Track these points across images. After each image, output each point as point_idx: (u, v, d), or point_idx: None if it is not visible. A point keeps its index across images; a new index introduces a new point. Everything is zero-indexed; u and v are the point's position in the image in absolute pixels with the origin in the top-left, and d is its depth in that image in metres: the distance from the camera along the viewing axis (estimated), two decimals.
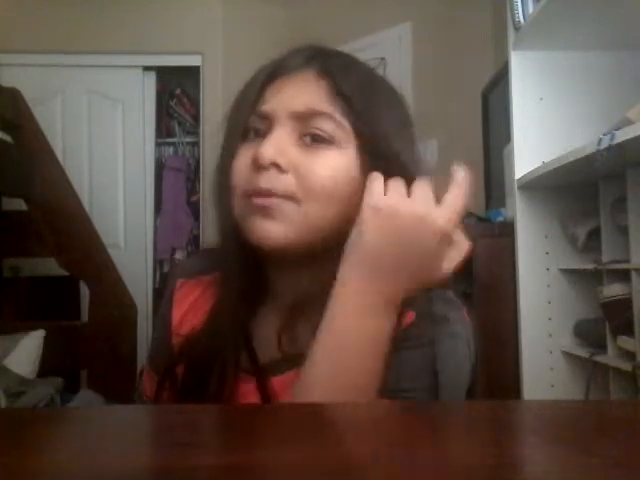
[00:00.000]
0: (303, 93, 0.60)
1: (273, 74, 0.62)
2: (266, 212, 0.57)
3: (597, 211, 1.56)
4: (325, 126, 0.59)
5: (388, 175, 0.56)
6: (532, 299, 1.71)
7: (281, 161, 0.57)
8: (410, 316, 0.60)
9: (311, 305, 0.59)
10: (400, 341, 0.58)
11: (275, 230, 0.58)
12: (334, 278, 0.55)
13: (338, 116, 0.59)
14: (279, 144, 0.58)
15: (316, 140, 0.59)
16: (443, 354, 0.59)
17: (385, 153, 0.59)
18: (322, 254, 0.59)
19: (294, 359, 0.60)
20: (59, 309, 2.88)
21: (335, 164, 0.58)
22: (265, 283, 0.65)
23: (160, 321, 0.72)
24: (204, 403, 0.62)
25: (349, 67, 0.63)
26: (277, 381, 0.62)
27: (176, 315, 0.70)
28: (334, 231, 0.58)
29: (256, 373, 0.63)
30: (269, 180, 0.57)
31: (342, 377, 0.54)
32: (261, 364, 0.63)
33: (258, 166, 0.57)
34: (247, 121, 0.61)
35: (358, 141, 0.59)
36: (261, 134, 0.60)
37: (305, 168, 0.58)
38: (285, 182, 0.57)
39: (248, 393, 0.63)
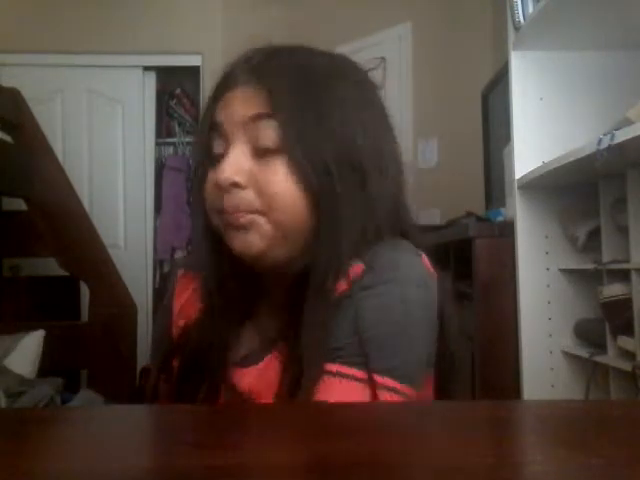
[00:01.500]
0: (246, 104, 0.61)
1: (222, 89, 0.64)
2: (239, 227, 0.61)
3: (597, 211, 1.56)
4: (269, 135, 0.60)
5: (318, 181, 0.59)
6: (532, 299, 1.71)
7: (239, 179, 0.60)
8: (358, 268, 0.60)
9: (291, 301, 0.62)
10: (348, 295, 0.59)
11: (251, 242, 0.61)
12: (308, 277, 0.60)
13: (279, 125, 0.60)
14: (235, 162, 0.61)
15: (267, 150, 0.61)
16: (391, 303, 0.59)
17: (315, 162, 0.60)
18: (303, 254, 0.62)
19: (269, 346, 0.64)
20: (59, 309, 2.88)
21: (285, 172, 0.60)
22: (258, 282, 0.68)
23: (162, 312, 0.76)
24: (195, 393, 0.65)
25: (293, 73, 0.62)
26: (256, 370, 0.65)
27: (176, 306, 0.74)
28: (309, 234, 0.61)
29: (242, 363, 0.66)
30: (232, 199, 0.61)
31: None
32: (245, 354, 0.67)
33: (220, 189, 0.61)
34: (208, 141, 0.64)
35: (292, 150, 0.60)
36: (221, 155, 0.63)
37: (262, 181, 0.60)
38: (247, 198, 0.61)
39: (236, 382, 0.65)
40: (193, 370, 0.67)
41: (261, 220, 0.61)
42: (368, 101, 0.67)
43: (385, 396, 0.57)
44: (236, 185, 0.60)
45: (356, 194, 0.62)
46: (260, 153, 0.61)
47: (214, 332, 0.66)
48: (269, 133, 0.60)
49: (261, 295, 0.69)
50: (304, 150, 0.60)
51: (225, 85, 0.64)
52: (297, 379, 0.58)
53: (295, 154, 0.60)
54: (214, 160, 0.63)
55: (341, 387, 0.57)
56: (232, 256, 0.64)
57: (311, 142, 0.60)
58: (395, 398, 0.57)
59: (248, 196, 0.61)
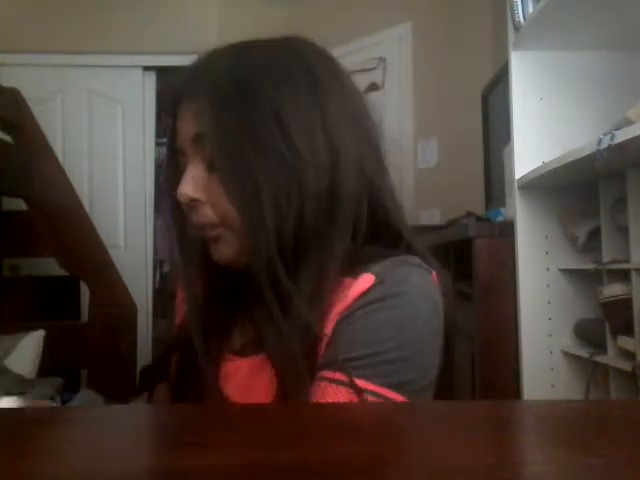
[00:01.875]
0: (188, 125, 0.63)
1: (176, 107, 0.65)
2: (209, 239, 0.65)
3: (597, 211, 1.56)
4: (211, 150, 0.61)
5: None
6: (532, 299, 1.71)
7: (198, 196, 0.63)
8: (369, 280, 0.60)
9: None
10: (358, 307, 0.59)
11: (222, 251, 0.65)
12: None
13: (215, 141, 0.61)
14: (191, 180, 0.63)
15: (213, 165, 0.62)
16: (402, 317, 0.59)
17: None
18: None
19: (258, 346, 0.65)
20: (59, 309, 2.88)
21: (222, 188, 0.62)
22: (245, 282, 0.69)
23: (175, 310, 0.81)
24: (191, 384, 0.68)
25: (222, 88, 0.61)
26: (249, 363, 0.66)
27: (178, 304, 0.78)
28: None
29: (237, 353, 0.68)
30: (197, 215, 0.64)
31: None
32: (240, 346, 0.68)
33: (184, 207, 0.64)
34: (175, 159, 0.67)
35: (219, 166, 0.61)
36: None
37: (215, 196, 0.62)
38: (207, 214, 0.63)
39: (231, 372, 0.67)
40: (188, 361, 0.69)
41: (224, 232, 0.63)
42: (315, 98, 0.62)
43: None
44: (194, 201, 0.63)
45: (291, 199, 0.60)
46: (212, 167, 0.62)
47: (205, 323, 0.68)
48: (211, 148, 0.61)
49: (248, 294, 0.70)
50: (233, 165, 0.60)
51: (174, 104, 0.66)
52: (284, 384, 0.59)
53: (222, 170, 0.61)
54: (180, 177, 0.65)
55: (351, 398, 0.57)
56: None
57: (240, 156, 0.60)
58: None
59: (207, 212, 0.63)
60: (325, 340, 0.60)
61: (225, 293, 0.70)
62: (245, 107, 0.60)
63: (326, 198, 0.61)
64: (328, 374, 0.58)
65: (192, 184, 0.62)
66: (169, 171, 0.69)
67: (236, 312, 0.70)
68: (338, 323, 0.59)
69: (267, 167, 0.59)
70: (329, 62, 0.67)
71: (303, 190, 0.60)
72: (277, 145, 0.59)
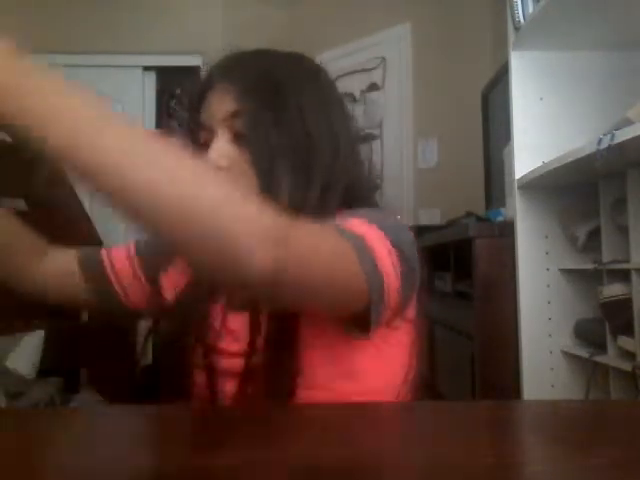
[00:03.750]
0: (223, 102, 0.73)
1: (203, 89, 0.76)
2: None
3: (597, 211, 1.56)
4: (240, 125, 0.72)
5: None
6: (532, 299, 1.71)
7: (223, 163, 0.71)
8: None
9: None
10: None
11: None
12: None
13: (246, 118, 0.71)
14: (219, 149, 0.72)
15: (240, 137, 0.72)
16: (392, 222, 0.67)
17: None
18: None
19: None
20: (59, 309, 2.87)
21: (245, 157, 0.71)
22: None
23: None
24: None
25: (256, 74, 0.73)
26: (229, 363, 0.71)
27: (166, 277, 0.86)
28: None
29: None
30: None
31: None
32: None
33: None
34: (197, 133, 0.76)
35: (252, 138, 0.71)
36: (208, 143, 0.74)
37: (237, 163, 0.71)
38: (230, 179, 0.70)
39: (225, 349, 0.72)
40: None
41: None
42: (322, 94, 0.76)
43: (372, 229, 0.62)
44: (220, 168, 0.70)
45: (301, 171, 0.70)
46: (238, 139, 0.72)
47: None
48: (242, 124, 0.71)
49: None
50: (262, 137, 0.70)
51: (205, 86, 0.76)
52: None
53: (254, 141, 0.70)
54: (200, 149, 0.73)
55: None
56: None
57: (269, 131, 0.70)
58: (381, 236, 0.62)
59: (231, 177, 0.70)
60: None
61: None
62: (272, 91, 0.72)
63: (326, 174, 0.71)
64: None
65: (219, 152, 0.71)
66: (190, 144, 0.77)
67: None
68: None
69: (286, 142, 0.70)
70: (320, 70, 0.81)
71: (311, 166, 0.70)
72: (295, 127, 0.71)
